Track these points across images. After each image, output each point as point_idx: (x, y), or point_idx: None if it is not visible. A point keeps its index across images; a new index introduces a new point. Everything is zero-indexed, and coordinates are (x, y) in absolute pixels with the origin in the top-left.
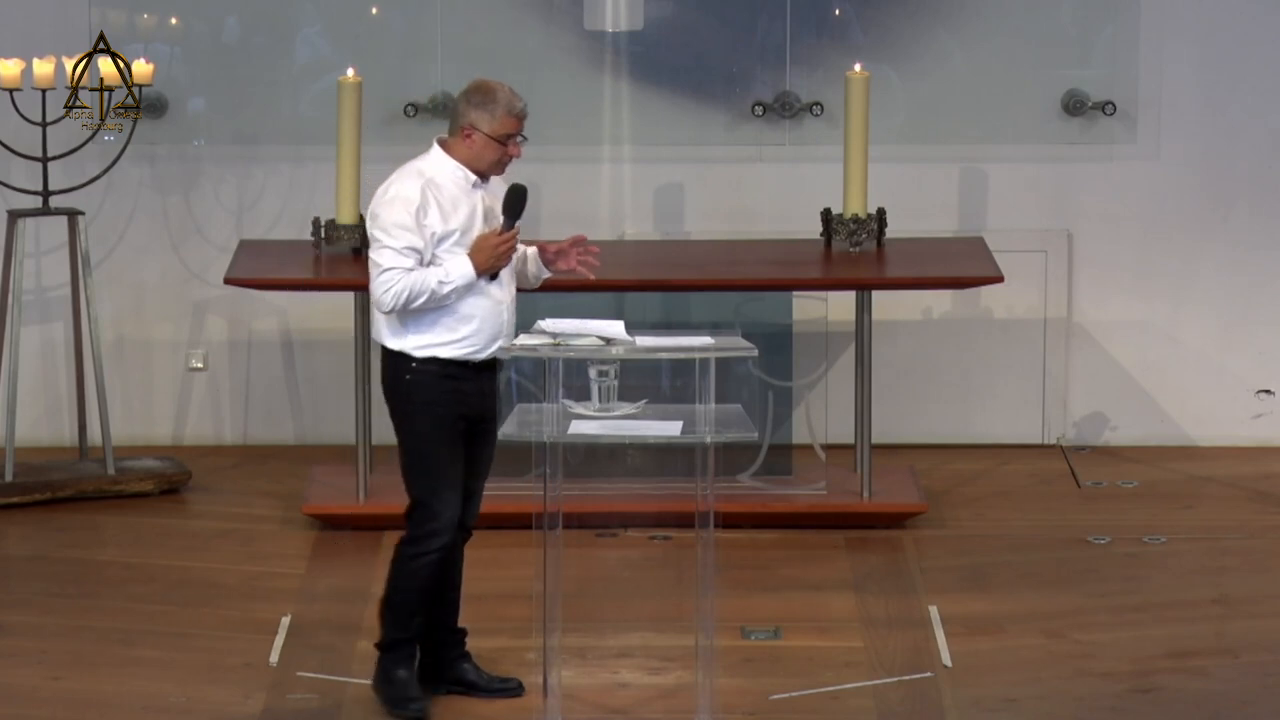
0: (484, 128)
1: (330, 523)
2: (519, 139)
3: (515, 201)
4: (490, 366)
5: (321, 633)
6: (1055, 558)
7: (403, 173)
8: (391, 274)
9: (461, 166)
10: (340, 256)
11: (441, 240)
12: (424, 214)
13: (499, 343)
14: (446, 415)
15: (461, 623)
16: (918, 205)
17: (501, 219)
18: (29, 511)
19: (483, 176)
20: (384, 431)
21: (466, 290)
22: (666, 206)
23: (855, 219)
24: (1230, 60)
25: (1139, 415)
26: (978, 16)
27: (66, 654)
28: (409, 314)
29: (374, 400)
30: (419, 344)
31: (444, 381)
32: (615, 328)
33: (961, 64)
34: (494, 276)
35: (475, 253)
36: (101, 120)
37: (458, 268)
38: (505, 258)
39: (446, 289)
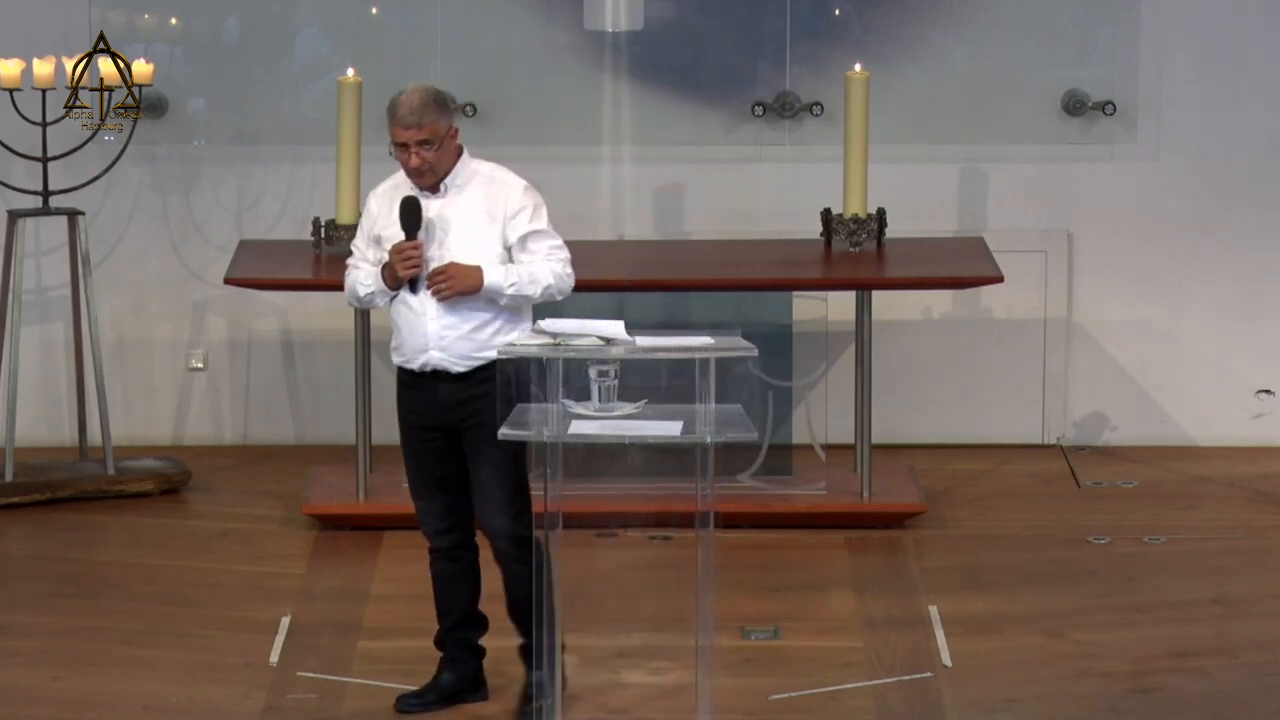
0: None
1: (330, 523)
2: (402, 147)
3: (405, 214)
4: (447, 378)
5: (321, 633)
6: (1055, 558)
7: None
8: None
9: None
10: (340, 256)
11: (386, 243)
12: (367, 217)
13: (430, 355)
14: (403, 423)
15: None
16: (918, 205)
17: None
18: (29, 511)
19: (426, 186)
20: (383, 431)
21: (388, 298)
22: (666, 207)
23: (855, 219)
24: (1230, 60)
25: (1139, 415)
26: (978, 16)
27: (66, 654)
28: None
29: (374, 400)
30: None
31: (401, 389)
32: (615, 328)
33: (961, 64)
34: (414, 288)
35: (387, 263)
36: (101, 120)
37: (373, 273)
38: (407, 269)
39: (364, 291)
